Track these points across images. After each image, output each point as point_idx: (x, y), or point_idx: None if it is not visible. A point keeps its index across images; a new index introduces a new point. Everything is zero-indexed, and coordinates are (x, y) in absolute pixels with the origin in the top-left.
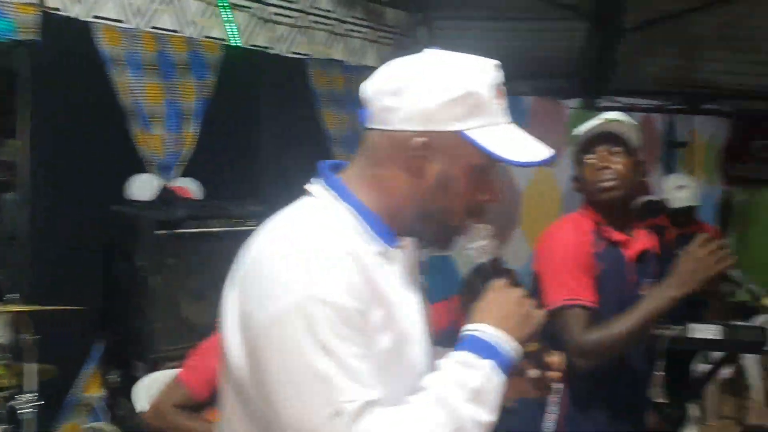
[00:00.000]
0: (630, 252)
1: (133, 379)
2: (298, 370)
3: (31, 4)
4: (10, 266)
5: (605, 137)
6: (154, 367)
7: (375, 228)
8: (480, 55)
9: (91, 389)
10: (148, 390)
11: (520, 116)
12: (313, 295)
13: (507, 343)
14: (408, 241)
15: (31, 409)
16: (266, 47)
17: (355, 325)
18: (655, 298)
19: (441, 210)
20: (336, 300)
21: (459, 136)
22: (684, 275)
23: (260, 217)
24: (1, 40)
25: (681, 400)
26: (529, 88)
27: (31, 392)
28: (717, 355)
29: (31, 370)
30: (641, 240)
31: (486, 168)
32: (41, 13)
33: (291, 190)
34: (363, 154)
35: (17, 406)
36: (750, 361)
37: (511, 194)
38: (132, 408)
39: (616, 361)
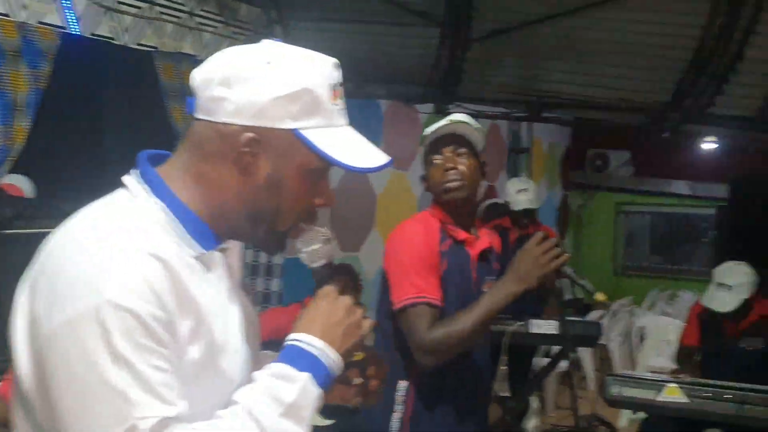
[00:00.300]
0: (474, 251)
1: None
2: (88, 382)
3: None
4: None
5: (451, 138)
6: None
7: (191, 229)
8: (335, 56)
9: None
10: None
11: (375, 120)
12: (109, 299)
13: (329, 355)
14: (232, 243)
15: None
16: (109, 37)
17: (155, 335)
18: (495, 293)
19: (270, 212)
20: (134, 306)
21: (292, 135)
22: (521, 272)
23: None
24: None
25: (523, 394)
26: (384, 92)
27: None
28: (555, 349)
29: None
30: (484, 239)
31: (320, 171)
32: None
33: None
34: (188, 146)
35: None
36: (585, 354)
37: (366, 196)
38: None
39: (460, 358)
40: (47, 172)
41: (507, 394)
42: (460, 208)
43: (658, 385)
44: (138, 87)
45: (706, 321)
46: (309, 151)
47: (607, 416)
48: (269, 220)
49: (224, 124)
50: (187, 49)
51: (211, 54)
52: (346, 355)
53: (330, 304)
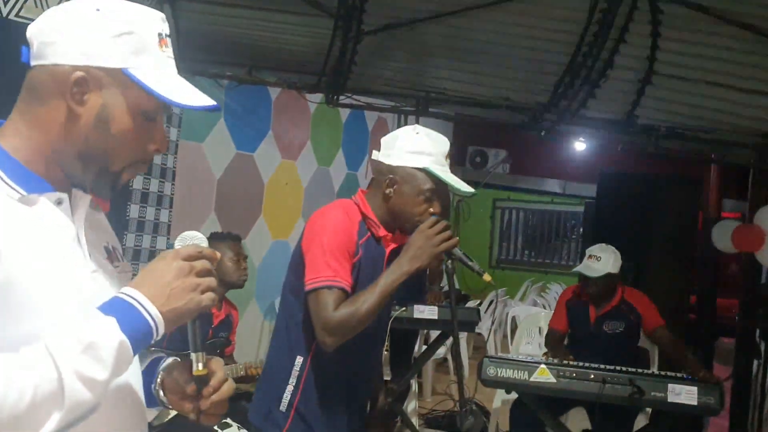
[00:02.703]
0: (388, 249)
1: None
2: None
3: None
4: None
5: (446, 193)
6: None
7: (12, 175)
8: (225, 42)
9: None
10: None
11: (265, 107)
12: None
13: (144, 307)
14: (74, 192)
15: None
16: None
17: None
18: (391, 273)
19: (100, 150)
20: None
21: (122, 73)
22: (415, 251)
23: None
24: None
25: (404, 377)
26: (275, 80)
27: None
28: (434, 337)
29: None
30: (398, 238)
31: (150, 112)
32: None
33: None
34: (23, 95)
35: None
36: (461, 342)
37: (254, 184)
38: None
39: (351, 341)
40: None
41: (388, 377)
42: (392, 214)
43: (530, 367)
44: (17, 59)
45: (572, 307)
46: (138, 90)
47: (481, 400)
48: (100, 160)
49: (55, 65)
50: None
51: None
52: (173, 316)
53: (164, 264)
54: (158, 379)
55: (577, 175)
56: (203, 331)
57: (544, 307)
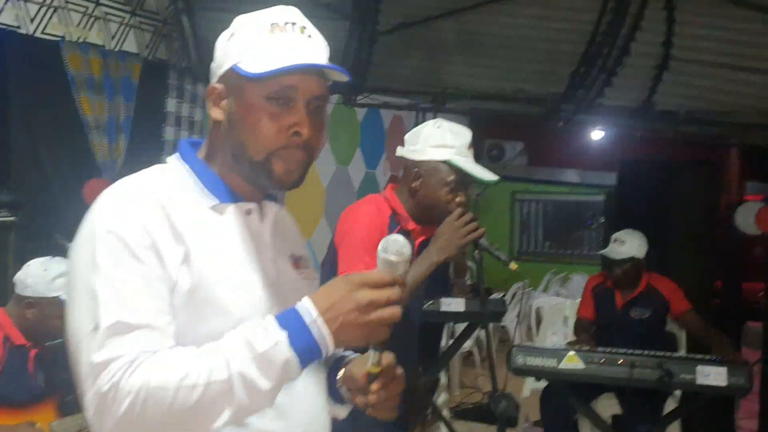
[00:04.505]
0: (417, 241)
1: None
2: (78, 287)
3: None
4: None
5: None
6: None
7: (207, 184)
8: None
9: None
10: None
11: None
12: (105, 226)
13: (318, 328)
14: (264, 202)
15: None
16: (14, 26)
17: (135, 254)
18: (420, 264)
19: (240, 146)
20: (121, 231)
21: (233, 71)
22: (443, 242)
23: (11, 207)
24: None
25: (434, 370)
26: None
27: None
28: (459, 330)
29: None
30: (427, 231)
31: (273, 97)
32: None
33: (45, 178)
34: None
35: None
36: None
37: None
38: None
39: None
40: None
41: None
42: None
43: (559, 354)
44: (44, 76)
45: (599, 294)
46: (249, 81)
47: (510, 392)
48: (244, 155)
49: (211, 86)
50: (94, 38)
51: (118, 44)
52: (342, 342)
53: (347, 290)
54: (340, 375)
55: (595, 164)
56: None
57: (567, 298)
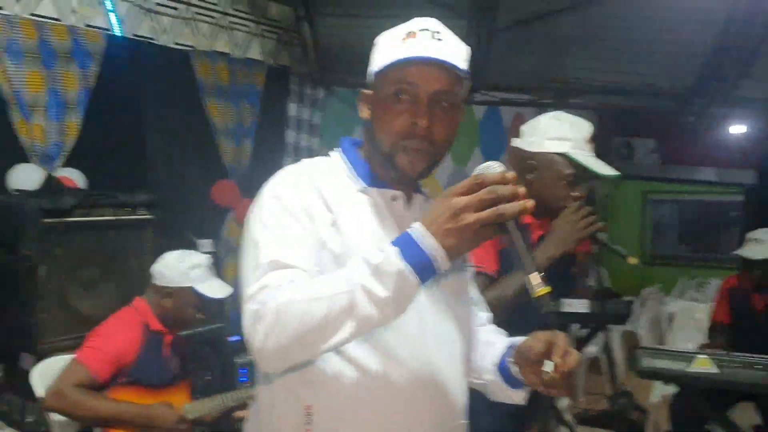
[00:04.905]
0: (533, 235)
1: (20, 373)
2: (248, 239)
3: None
4: None
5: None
6: (42, 359)
7: (359, 171)
8: (362, 50)
9: None
10: (43, 375)
11: None
12: (270, 193)
13: (424, 239)
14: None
15: None
16: (149, 38)
17: (293, 215)
18: (537, 257)
19: (377, 140)
20: (282, 196)
21: (374, 76)
22: (560, 236)
23: (148, 206)
24: None
25: None
26: None
27: None
28: (584, 334)
29: None
30: (545, 224)
31: (399, 92)
32: None
33: (177, 179)
34: None
35: None
36: (614, 339)
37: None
38: (16, 403)
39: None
40: (96, 166)
41: None
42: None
43: (688, 357)
44: (176, 84)
45: (735, 297)
46: (386, 79)
47: (636, 398)
48: (378, 147)
49: (362, 91)
50: (221, 47)
51: (243, 52)
52: (452, 251)
53: (440, 203)
54: (511, 357)
55: (734, 160)
56: (525, 241)
57: (703, 303)
